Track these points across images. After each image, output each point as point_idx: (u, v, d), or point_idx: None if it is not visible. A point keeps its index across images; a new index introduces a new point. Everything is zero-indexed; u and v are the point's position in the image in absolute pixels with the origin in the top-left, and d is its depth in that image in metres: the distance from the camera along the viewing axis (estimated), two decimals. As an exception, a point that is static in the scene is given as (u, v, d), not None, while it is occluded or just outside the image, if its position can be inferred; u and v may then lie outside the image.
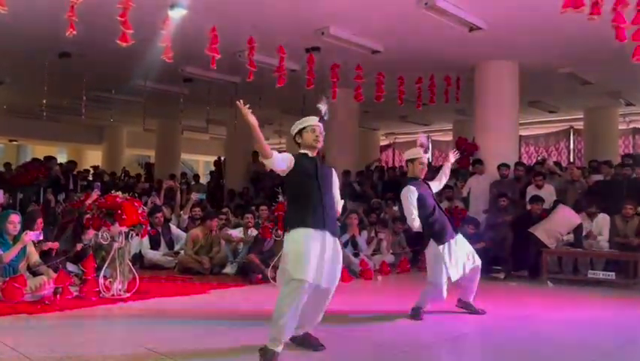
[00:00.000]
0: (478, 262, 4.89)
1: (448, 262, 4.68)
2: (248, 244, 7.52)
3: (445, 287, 4.72)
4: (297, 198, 3.65)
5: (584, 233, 7.62)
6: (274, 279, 6.59)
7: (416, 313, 4.77)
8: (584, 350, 3.95)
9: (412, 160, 4.86)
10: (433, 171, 6.86)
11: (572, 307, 5.67)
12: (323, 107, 3.72)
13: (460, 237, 4.87)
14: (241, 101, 3.40)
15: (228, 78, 10.15)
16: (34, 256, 5.50)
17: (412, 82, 9.60)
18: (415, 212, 4.72)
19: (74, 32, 5.81)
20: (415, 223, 4.75)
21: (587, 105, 13.08)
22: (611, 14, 5.36)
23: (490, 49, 8.61)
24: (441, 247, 4.71)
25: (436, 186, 5.14)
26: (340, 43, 8.00)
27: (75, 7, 5.71)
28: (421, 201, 4.73)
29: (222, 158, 15.10)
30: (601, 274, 7.04)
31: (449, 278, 4.69)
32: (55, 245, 6.06)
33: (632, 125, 14.39)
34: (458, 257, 4.75)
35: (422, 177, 4.84)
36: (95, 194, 6.65)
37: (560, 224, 7.51)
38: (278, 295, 3.46)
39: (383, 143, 18.70)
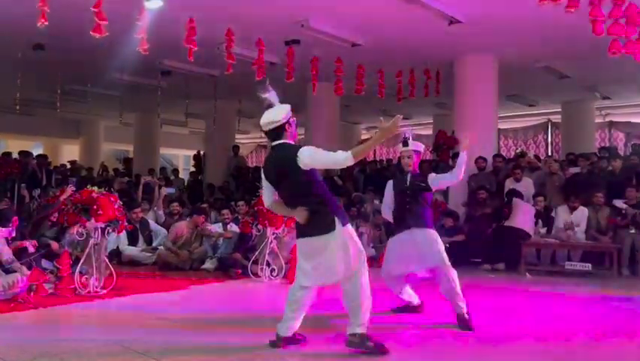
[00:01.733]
0: (438, 262, 4.35)
1: (388, 256, 4.65)
2: (234, 237, 7.45)
3: (389, 282, 4.70)
4: (328, 194, 3.69)
5: (561, 225, 7.74)
6: (255, 274, 6.55)
7: (398, 308, 4.79)
8: (564, 341, 3.98)
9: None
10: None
11: (551, 298, 5.74)
12: (268, 94, 3.63)
13: (412, 233, 4.47)
14: (400, 117, 3.38)
15: (207, 71, 10.03)
16: (7, 253, 5.36)
17: (392, 75, 9.59)
18: (386, 204, 4.80)
19: (46, 23, 5.66)
20: (383, 213, 5.00)
21: (564, 99, 13.24)
22: (589, 7, 5.40)
23: (470, 43, 8.64)
24: (390, 240, 4.76)
25: (447, 179, 4.75)
26: (320, 36, 7.95)
27: (46, -4, 5.57)
28: (393, 193, 4.74)
29: (202, 152, 14.95)
30: (578, 265, 7.17)
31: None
32: (34, 243, 5.91)
33: (608, 119, 14.62)
34: (405, 253, 4.50)
35: (406, 169, 4.68)
36: (70, 189, 6.51)
37: (525, 215, 7.72)
38: (362, 286, 3.54)
39: (364, 137, 18.70)
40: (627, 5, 5.40)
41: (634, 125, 14.08)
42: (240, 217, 7.86)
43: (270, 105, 3.64)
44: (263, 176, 3.77)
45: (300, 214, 3.59)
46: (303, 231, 3.63)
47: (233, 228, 7.63)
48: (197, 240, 7.57)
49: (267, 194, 3.79)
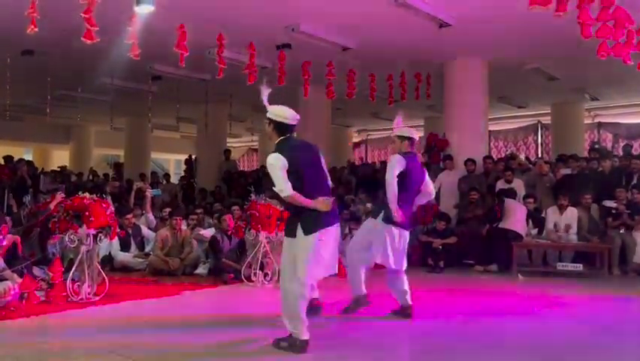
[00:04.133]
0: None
1: None
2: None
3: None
4: None
5: (551, 226, 7.79)
6: (248, 278, 6.52)
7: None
8: (555, 341, 4.01)
9: None
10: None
11: (543, 299, 5.77)
12: (265, 91, 3.86)
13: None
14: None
15: (198, 75, 10.02)
16: (-2, 261, 5.31)
17: (383, 79, 9.63)
18: None
19: (36, 30, 5.63)
20: None
21: (553, 100, 13.35)
22: (577, 11, 5.45)
23: (460, 45, 8.69)
24: None
25: None
26: (311, 40, 7.97)
27: (36, 3, 5.53)
28: None
29: (193, 156, 14.91)
30: (569, 266, 7.23)
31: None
32: (17, 238, 5.81)
33: (596, 120, 14.75)
34: None
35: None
36: (60, 196, 6.45)
37: (519, 215, 7.77)
38: None
39: (356, 140, 18.74)
40: (615, 8, 5.45)
41: (621, 126, 14.24)
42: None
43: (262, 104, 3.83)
44: (293, 163, 3.61)
45: (327, 202, 3.68)
46: (326, 220, 3.71)
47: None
48: (188, 245, 7.51)
49: (289, 183, 3.62)
